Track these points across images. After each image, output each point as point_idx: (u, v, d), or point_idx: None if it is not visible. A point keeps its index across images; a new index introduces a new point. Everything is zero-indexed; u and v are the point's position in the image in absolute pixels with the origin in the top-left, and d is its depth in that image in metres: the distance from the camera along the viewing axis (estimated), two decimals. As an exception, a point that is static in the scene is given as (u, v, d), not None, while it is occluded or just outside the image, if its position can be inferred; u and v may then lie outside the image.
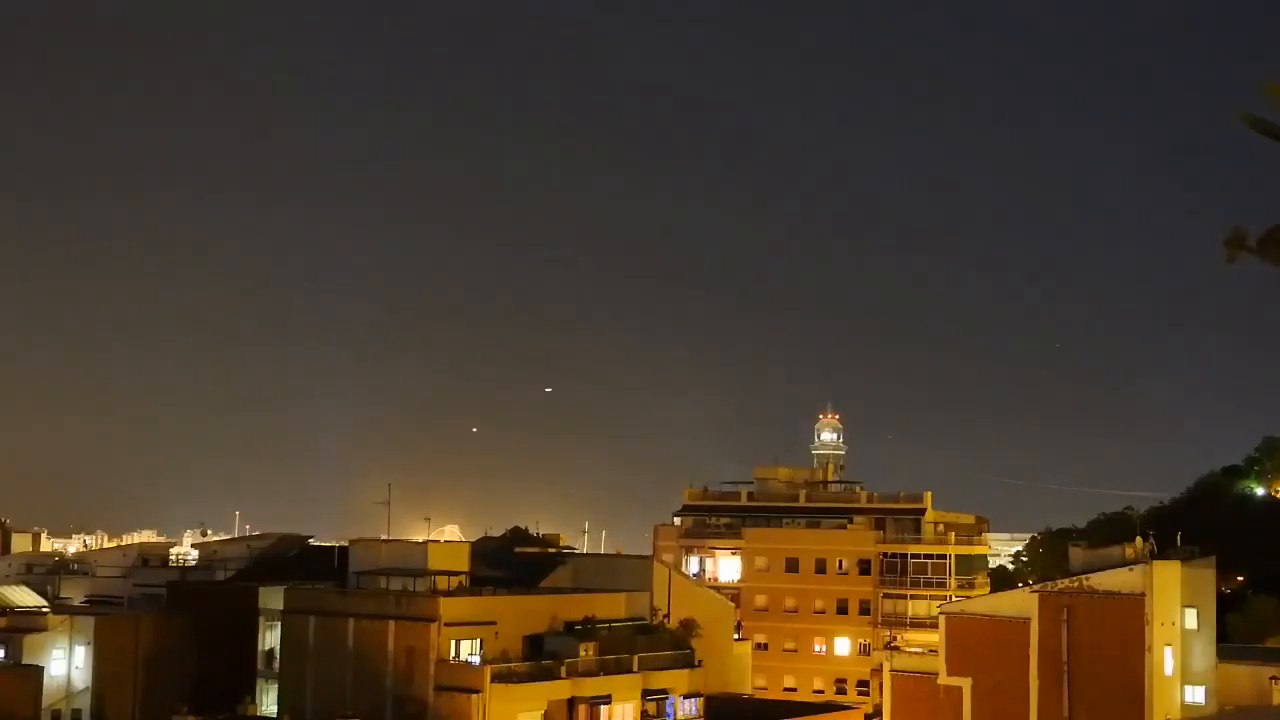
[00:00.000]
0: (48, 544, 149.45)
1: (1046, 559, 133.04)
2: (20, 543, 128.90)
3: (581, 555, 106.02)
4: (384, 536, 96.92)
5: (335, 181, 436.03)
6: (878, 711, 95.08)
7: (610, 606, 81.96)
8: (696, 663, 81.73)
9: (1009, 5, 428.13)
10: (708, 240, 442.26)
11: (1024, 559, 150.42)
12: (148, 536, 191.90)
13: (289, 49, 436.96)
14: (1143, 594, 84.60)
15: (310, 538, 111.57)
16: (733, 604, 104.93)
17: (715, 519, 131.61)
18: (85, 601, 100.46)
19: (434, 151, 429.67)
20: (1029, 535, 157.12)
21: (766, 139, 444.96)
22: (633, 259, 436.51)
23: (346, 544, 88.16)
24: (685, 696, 79.91)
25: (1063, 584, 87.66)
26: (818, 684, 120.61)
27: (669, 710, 78.89)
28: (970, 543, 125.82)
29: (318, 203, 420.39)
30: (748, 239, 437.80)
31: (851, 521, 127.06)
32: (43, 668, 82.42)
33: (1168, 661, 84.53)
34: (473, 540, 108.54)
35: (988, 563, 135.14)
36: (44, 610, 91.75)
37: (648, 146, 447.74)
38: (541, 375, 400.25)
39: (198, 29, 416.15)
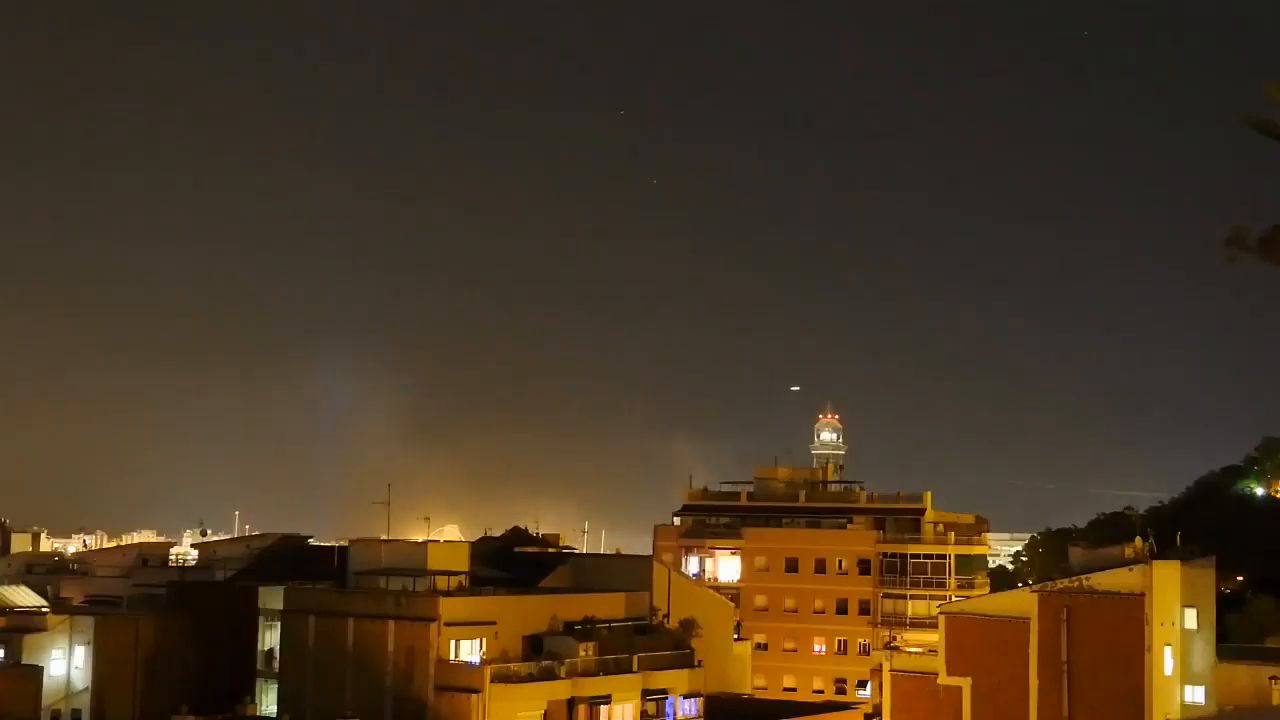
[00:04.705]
0: (48, 544, 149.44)
1: (1046, 559, 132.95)
2: (20, 543, 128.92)
3: (581, 555, 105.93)
4: (384, 536, 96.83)
5: (344, 175, 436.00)
6: (877, 711, 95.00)
7: (610, 606, 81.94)
8: (696, 663, 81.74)
9: (1006, 3, 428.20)
10: (709, 239, 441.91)
11: (1024, 559, 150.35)
12: (147, 536, 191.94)
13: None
14: (1142, 594, 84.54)
15: (310, 538, 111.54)
16: (733, 604, 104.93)
17: (715, 519, 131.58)
18: (85, 601, 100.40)
19: (441, 137, 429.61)
20: (1029, 535, 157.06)
21: (758, 142, 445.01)
22: (634, 259, 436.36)
23: (346, 544, 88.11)
24: (685, 696, 79.93)
25: (1062, 584, 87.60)
26: (818, 684, 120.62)
27: (669, 710, 78.92)
28: (970, 543, 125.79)
29: (321, 202, 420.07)
30: (747, 237, 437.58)
31: (851, 521, 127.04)
32: (42, 668, 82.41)
33: (1167, 661, 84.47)
34: (473, 540, 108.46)
35: (987, 563, 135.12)
36: (44, 610, 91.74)
37: (644, 145, 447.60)
38: (542, 374, 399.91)
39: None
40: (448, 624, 74.34)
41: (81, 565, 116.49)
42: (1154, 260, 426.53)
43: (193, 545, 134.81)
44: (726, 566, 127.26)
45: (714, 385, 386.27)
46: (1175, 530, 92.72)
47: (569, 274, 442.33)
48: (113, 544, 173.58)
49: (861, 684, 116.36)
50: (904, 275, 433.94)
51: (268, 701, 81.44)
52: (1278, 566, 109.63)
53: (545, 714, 74.07)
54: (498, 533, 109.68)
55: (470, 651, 74.90)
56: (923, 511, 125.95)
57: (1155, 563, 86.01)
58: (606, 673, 76.83)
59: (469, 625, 75.30)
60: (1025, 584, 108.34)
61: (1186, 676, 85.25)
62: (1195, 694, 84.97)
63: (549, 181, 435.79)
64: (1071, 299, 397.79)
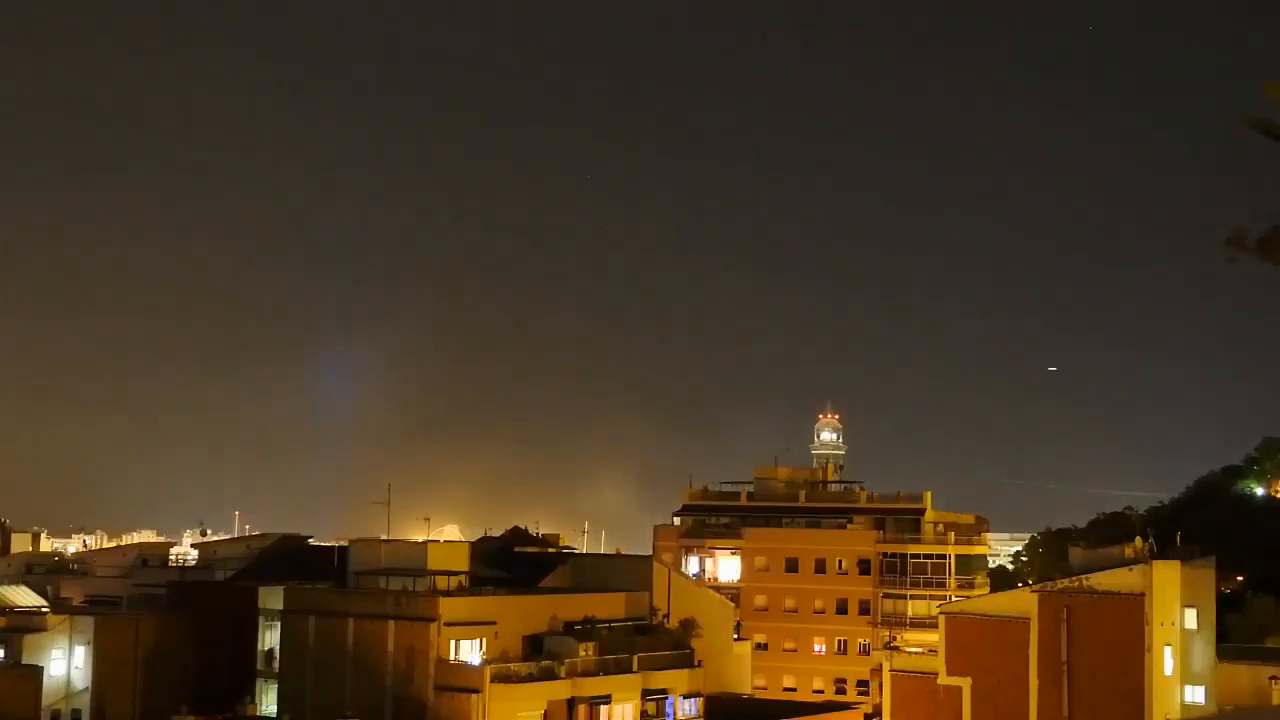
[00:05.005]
0: (48, 544, 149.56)
1: (1046, 559, 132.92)
2: (20, 543, 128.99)
3: (581, 555, 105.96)
4: (384, 536, 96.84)
5: (344, 175, 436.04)
6: (877, 711, 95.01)
7: (610, 606, 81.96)
8: (696, 663, 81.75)
9: (1007, 3, 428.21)
10: (710, 239, 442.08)
11: (1024, 559, 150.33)
12: (147, 536, 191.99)
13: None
14: (1142, 594, 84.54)
15: (310, 538, 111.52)
16: (733, 604, 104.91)
17: (715, 519, 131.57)
18: (85, 601, 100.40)
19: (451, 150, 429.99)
20: (1029, 535, 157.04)
21: (777, 140, 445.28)
22: (634, 259, 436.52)
23: (346, 544, 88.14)
24: (685, 696, 79.94)
25: (1063, 584, 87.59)
26: (818, 684, 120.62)
27: (669, 710, 78.92)
28: (970, 543, 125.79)
29: (321, 202, 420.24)
30: (747, 237, 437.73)
31: (851, 521, 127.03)
32: (42, 668, 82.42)
33: (1167, 661, 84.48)
34: (473, 540, 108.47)
35: (987, 563, 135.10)
36: (44, 610, 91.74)
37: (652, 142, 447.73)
38: (543, 375, 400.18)
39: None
40: (448, 624, 74.35)
41: (81, 565, 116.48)
42: (1154, 260, 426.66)
43: (193, 545, 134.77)
44: (726, 566, 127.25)
45: (714, 385, 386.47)
46: (1175, 530, 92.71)
47: (569, 274, 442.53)
48: (113, 544, 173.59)
49: (861, 684, 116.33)
50: (904, 276, 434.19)
51: (268, 701, 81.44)
52: (1278, 566, 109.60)
53: (545, 714, 74.08)
54: (498, 533, 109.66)
55: (470, 651, 74.90)
56: (923, 511, 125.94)
57: (1155, 563, 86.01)
58: (606, 673, 76.84)
59: (469, 625, 75.31)
60: (1025, 584, 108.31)
61: (1186, 676, 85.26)
62: (1195, 694, 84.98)
63: (549, 182, 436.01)
64: (1072, 300, 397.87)
